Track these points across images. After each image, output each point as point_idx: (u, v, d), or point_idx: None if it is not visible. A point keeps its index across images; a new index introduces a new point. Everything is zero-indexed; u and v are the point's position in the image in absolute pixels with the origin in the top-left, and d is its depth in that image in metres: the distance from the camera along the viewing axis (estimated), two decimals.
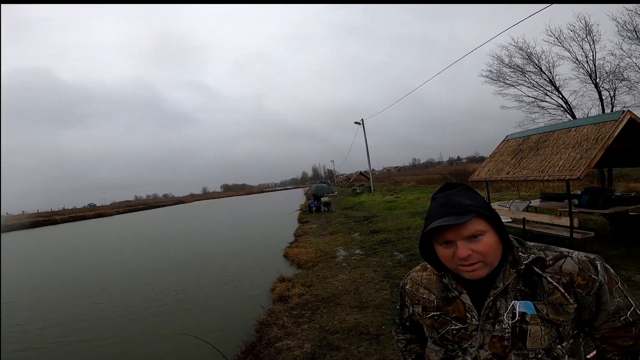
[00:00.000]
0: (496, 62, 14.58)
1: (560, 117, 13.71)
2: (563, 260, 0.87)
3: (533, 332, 0.84)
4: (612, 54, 12.06)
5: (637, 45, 11.06)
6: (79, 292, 7.79)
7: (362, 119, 29.38)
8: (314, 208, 19.01)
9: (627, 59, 11.50)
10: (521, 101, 14.70)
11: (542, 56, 13.62)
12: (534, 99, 14.38)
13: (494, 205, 7.66)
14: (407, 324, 1.17)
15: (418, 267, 1.11)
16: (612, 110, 11.42)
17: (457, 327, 0.94)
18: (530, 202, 7.64)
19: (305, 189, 51.05)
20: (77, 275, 9.79)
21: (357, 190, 32.97)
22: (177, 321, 5.40)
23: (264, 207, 32.68)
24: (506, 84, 14.73)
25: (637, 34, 10.90)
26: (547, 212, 7.01)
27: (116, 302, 6.76)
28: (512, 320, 0.85)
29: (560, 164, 5.32)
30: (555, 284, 0.85)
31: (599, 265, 0.86)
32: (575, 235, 5.23)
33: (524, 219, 6.28)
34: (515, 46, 13.93)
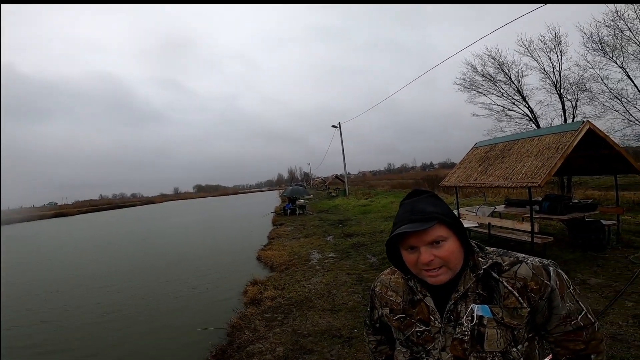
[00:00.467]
0: (470, 71, 15.22)
1: (525, 126, 14.45)
2: (518, 265, 0.90)
3: (490, 335, 0.87)
4: (577, 65, 12.83)
5: (601, 56, 11.72)
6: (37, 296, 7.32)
7: (339, 123, 29.64)
8: (288, 211, 18.92)
9: (591, 70, 12.19)
10: (491, 110, 15.38)
11: (513, 66, 14.32)
12: (502, 108, 15.09)
13: (463, 210, 7.97)
14: (377, 325, 1.20)
15: (387, 270, 1.13)
16: (573, 121, 12.10)
17: (421, 329, 0.96)
18: (496, 208, 8.00)
19: (280, 191, 50.73)
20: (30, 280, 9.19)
21: (333, 194, 33.17)
22: (141, 326, 5.18)
23: (238, 209, 32.15)
24: (478, 92, 15.36)
25: (602, 45, 11.53)
26: (510, 218, 7.37)
27: (72, 308, 6.39)
28: (470, 324, 0.88)
29: (523, 171, 5.61)
30: (510, 288, 0.88)
31: (551, 270, 0.90)
32: (535, 240, 5.52)
33: (489, 223, 6.57)
34: (488, 55, 14.60)
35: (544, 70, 13.55)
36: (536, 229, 5.59)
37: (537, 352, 0.94)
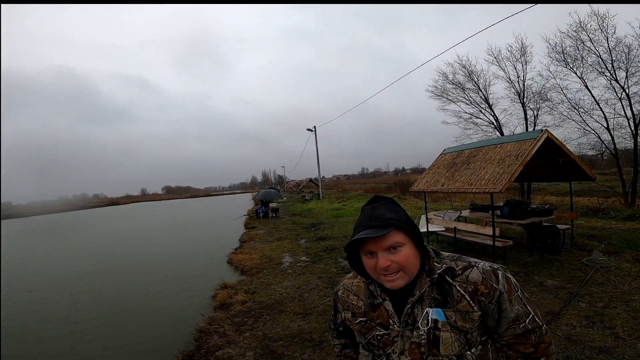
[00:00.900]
0: (441, 78, 15.82)
1: (490, 134, 15.21)
2: (470, 269, 0.93)
3: (445, 339, 0.90)
4: (540, 75, 13.68)
5: (563, 67, 12.49)
6: None
7: (315, 127, 29.76)
8: (261, 214, 18.71)
9: (552, 80, 12.99)
10: (460, 117, 16.08)
11: (481, 74, 15.08)
12: (470, 115, 15.82)
13: (430, 214, 8.23)
14: (341, 329, 1.21)
15: (350, 274, 1.15)
16: (533, 129, 12.90)
17: (381, 332, 0.98)
18: (461, 213, 8.32)
19: (254, 194, 50.06)
20: None
21: (306, 197, 33.15)
22: (98, 333, 4.89)
23: (209, 212, 31.35)
24: (448, 99, 16.04)
25: (564, 55, 12.30)
26: (475, 222, 7.70)
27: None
28: (426, 327, 0.91)
29: (486, 177, 5.88)
30: (462, 292, 0.91)
31: (500, 274, 0.93)
32: (497, 243, 5.80)
33: (455, 228, 6.84)
34: (459, 63, 15.25)
35: (510, 79, 14.37)
36: (497, 233, 5.87)
37: (490, 355, 0.96)
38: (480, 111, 15.52)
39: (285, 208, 23.75)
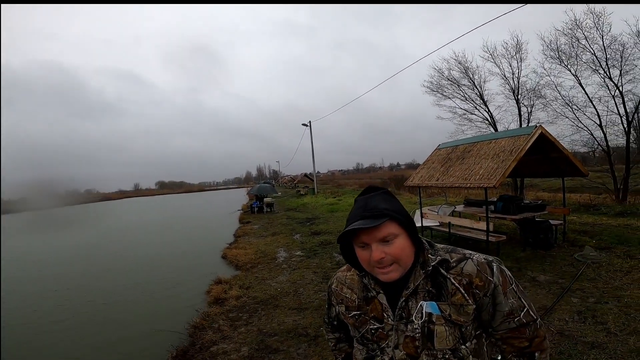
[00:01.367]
0: (437, 74, 15.82)
1: (485, 130, 15.29)
2: (465, 262, 0.91)
3: (439, 333, 0.88)
4: (534, 72, 13.77)
5: (557, 64, 12.59)
6: None
7: (310, 122, 29.63)
8: (256, 208, 18.65)
9: (547, 77, 13.09)
10: (454, 113, 16.13)
11: (477, 71, 15.11)
12: (465, 112, 15.88)
13: (425, 209, 8.26)
14: (335, 322, 1.19)
15: (344, 267, 1.13)
16: (527, 125, 12.95)
17: (375, 326, 0.97)
18: (456, 208, 8.37)
19: (248, 189, 49.87)
20: None
21: (301, 192, 33.10)
22: (91, 330, 4.85)
23: (203, 206, 31.21)
24: (444, 95, 16.06)
25: (559, 53, 12.38)
26: (469, 217, 7.74)
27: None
28: (420, 320, 0.89)
29: (480, 172, 5.91)
30: (457, 285, 0.89)
31: (495, 267, 0.91)
32: (490, 238, 5.84)
33: (449, 222, 6.87)
34: (455, 59, 15.26)
35: (505, 76, 14.42)
36: (491, 228, 5.91)
37: (485, 349, 0.95)
38: (475, 107, 15.60)
39: (280, 203, 23.72)
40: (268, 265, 7.06)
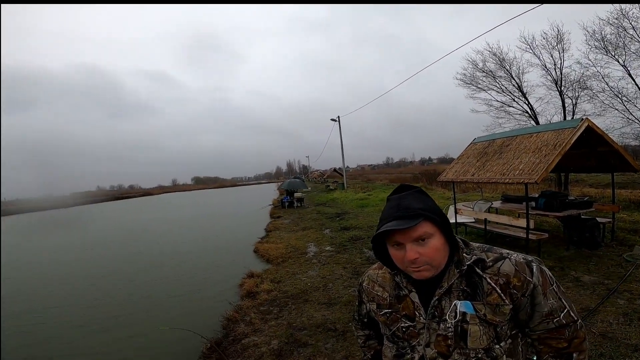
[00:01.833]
0: (470, 66, 15.11)
1: (524, 123, 14.42)
2: (502, 261, 0.90)
3: (473, 332, 0.87)
4: (578, 63, 12.77)
5: (603, 55, 11.63)
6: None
7: (338, 117, 29.54)
8: (286, 203, 18.94)
9: (592, 68, 12.12)
10: (490, 105, 15.31)
11: (514, 62, 14.24)
12: (502, 104, 15.03)
13: (459, 205, 7.98)
14: (365, 320, 1.20)
15: (376, 265, 1.13)
16: (572, 118, 12.10)
17: (407, 324, 0.97)
18: (492, 204, 8.01)
19: (279, 184, 50.72)
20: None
21: (331, 187, 33.17)
22: (134, 319, 5.18)
23: (236, 201, 32.17)
24: (478, 87, 15.28)
25: (604, 43, 11.42)
26: (507, 214, 7.38)
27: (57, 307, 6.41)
28: (454, 320, 0.88)
29: (520, 167, 5.61)
30: (493, 284, 0.88)
31: (534, 267, 0.89)
32: (530, 236, 5.54)
33: (485, 219, 6.59)
34: (489, 51, 14.48)
35: (545, 67, 13.48)
36: (532, 225, 5.60)
37: (520, 349, 0.94)
38: (513, 99, 14.70)
39: (310, 198, 23.91)
40: (298, 260, 7.15)
